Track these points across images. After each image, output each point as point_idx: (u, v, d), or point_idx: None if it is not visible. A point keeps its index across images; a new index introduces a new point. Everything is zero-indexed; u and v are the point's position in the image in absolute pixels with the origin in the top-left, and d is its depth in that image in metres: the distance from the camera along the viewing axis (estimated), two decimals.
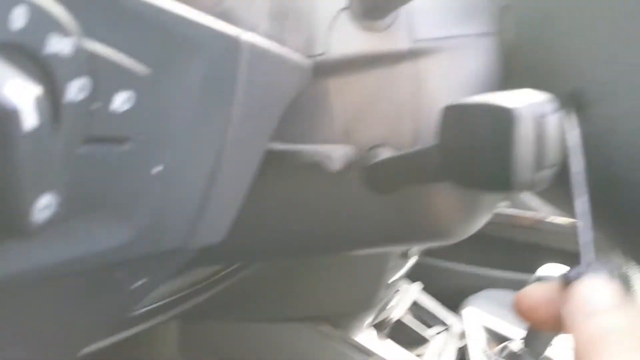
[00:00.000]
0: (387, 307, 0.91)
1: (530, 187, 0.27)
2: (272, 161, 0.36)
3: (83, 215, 0.23)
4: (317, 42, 0.35)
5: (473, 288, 1.18)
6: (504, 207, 1.25)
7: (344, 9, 0.35)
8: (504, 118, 0.26)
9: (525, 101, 0.27)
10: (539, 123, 0.26)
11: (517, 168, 0.26)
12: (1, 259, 0.20)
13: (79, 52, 0.18)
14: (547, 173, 0.28)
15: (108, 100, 0.20)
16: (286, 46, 0.31)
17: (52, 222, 0.17)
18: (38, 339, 0.30)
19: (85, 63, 0.19)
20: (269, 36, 0.29)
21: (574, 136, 0.30)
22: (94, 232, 0.24)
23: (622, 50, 0.29)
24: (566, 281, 0.24)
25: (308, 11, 0.34)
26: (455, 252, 1.22)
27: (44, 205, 0.16)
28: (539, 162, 0.27)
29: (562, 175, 0.29)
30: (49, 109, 0.18)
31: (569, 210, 0.29)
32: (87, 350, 0.46)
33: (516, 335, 0.97)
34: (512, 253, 1.21)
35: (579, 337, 0.21)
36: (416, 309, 1.03)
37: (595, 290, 0.23)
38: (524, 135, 0.26)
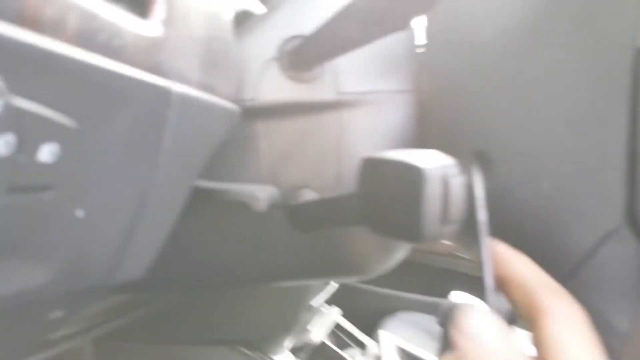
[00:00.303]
0: (307, 330, 0.93)
1: (436, 239, 0.30)
2: (199, 198, 0.37)
3: (2, 257, 0.23)
4: (247, 89, 0.36)
5: (390, 310, 1.22)
6: None
7: (273, 59, 0.37)
8: (414, 176, 0.28)
9: (434, 162, 0.29)
10: (446, 183, 0.29)
11: (425, 222, 0.29)
12: None
13: (7, 109, 0.19)
14: (451, 227, 0.30)
15: (33, 151, 0.21)
16: (216, 94, 0.32)
17: None
18: None
19: (12, 119, 0.19)
20: (200, 85, 0.30)
21: (479, 190, 0.33)
22: (12, 274, 0.24)
23: (520, 116, 0.32)
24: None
25: (238, 60, 0.35)
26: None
27: None
28: (445, 218, 0.29)
29: (470, 222, 0.31)
30: None
31: (476, 252, 0.31)
32: None
33: (429, 357, 1.01)
34: (428, 278, 1.27)
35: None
36: (335, 331, 1.05)
37: (481, 319, 0.27)
38: (432, 193, 0.28)
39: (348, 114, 0.38)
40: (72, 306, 0.34)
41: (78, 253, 0.27)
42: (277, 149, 0.38)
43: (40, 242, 0.25)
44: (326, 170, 0.38)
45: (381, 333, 1.09)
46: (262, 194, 0.36)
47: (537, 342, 0.26)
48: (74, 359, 0.76)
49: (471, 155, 0.34)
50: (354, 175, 0.33)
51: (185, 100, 0.28)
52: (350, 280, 0.48)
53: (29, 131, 0.20)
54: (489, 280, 0.29)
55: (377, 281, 1.29)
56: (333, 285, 0.95)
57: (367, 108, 0.38)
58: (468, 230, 0.31)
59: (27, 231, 0.23)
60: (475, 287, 0.31)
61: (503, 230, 0.33)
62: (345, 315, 1.10)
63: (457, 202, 0.30)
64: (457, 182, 0.30)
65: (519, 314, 0.28)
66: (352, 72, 0.38)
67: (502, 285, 0.29)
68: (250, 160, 0.39)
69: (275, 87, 0.37)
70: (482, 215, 0.32)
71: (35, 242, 0.24)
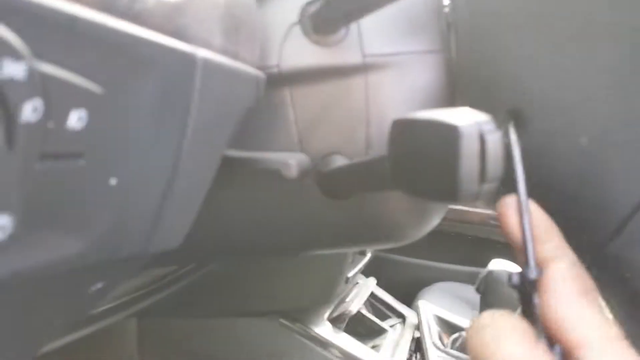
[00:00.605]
0: (345, 301, 0.94)
1: (474, 199, 0.29)
2: (230, 168, 0.37)
3: (39, 226, 0.24)
4: (271, 55, 0.36)
5: (426, 281, 1.21)
6: (455, 205, 1.29)
7: (296, 23, 0.36)
8: (449, 134, 0.28)
9: (469, 119, 0.28)
10: (482, 140, 0.28)
11: (462, 181, 0.28)
12: None
13: (32, 74, 0.19)
14: (489, 186, 0.29)
15: (62, 119, 0.21)
16: (240, 60, 0.32)
17: (8, 244, 0.18)
18: None
19: (38, 85, 0.19)
20: (223, 51, 0.30)
21: (515, 150, 0.32)
22: (50, 243, 0.25)
23: (556, 70, 0.31)
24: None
25: (260, 26, 0.35)
26: (409, 246, 1.25)
27: (0, 226, 0.17)
28: (483, 176, 0.29)
29: (507, 185, 0.31)
30: (4, 128, 0.19)
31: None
32: (45, 349, 0.46)
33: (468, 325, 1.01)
34: (463, 247, 1.25)
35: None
36: (372, 302, 1.05)
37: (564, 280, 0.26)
38: (469, 151, 0.28)
39: (375, 76, 0.37)
40: (112, 277, 0.35)
41: (114, 222, 0.27)
42: (305, 116, 0.38)
43: (76, 211, 0.25)
44: (356, 135, 0.38)
45: (420, 303, 1.09)
46: (293, 160, 0.36)
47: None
48: (118, 335, 0.79)
49: (505, 114, 0.33)
50: (384, 138, 0.33)
51: (210, 65, 0.28)
52: (385, 246, 0.48)
53: (56, 97, 0.20)
54: (529, 246, 0.28)
55: (413, 252, 1.29)
56: (368, 256, 0.95)
57: (394, 70, 0.37)
58: (505, 193, 0.31)
59: (62, 200, 0.24)
60: (510, 254, 0.31)
61: (541, 191, 0.32)
62: (381, 287, 1.10)
63: (494, 159, 0.29)
64: (494, 139, 0.29)
65: None
66: (377, 33, 0.37)
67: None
68: (278, 129, 0.38)
69: (299, 52, 0.36)
70: (520, 175, 0.31)
71: (71, 211, 0.25)
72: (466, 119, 0.28)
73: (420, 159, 0.30)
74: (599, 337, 0.24)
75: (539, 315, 0.26)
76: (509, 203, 0.30)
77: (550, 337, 0.26)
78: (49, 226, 0.24)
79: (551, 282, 0.27)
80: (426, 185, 0.30)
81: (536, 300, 0.27)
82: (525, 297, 0.27)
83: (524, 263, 0.28)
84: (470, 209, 1.28)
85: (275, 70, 0.36)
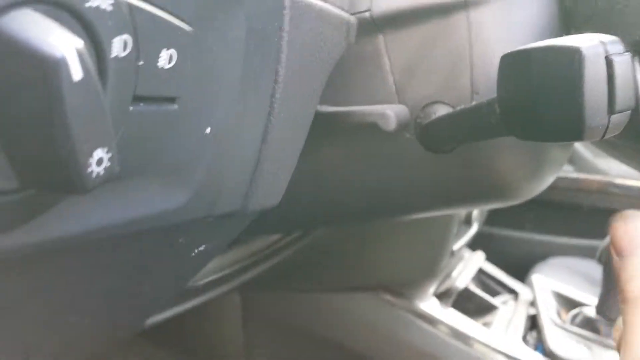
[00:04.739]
0: (451, 276, 0.90)
1: (603, 133, 0.26)
2: (324, 124, 0.36)
3: (138, 176, 0.24)
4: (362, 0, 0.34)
5: (538, 256, 1.14)
6: (569, 172, 1.19)
7: None
8: (571, 58, 0.24)
9: (592, 41, 0.25)
10: (609, 62, 0.24)
11: (588, 112, 0.24)
12: (58, 218, 0.20)
13: (119, 6, 0.18)
14: (620, 118, 0.26)
15: (152, 58, 0.20)
16: (330, 3, 0.30)
17: (107, 179, 0.17)
18: (103, 306, 0.32)
19: (126, 19, 0.19)
20: None
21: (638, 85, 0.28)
22: (150, 194, 0.25)
23: None
24: None
25: None
26: (518, 219, 1.17)
27: (98, 160, 0.17)
28: (611, 105, 0.25)
29: (635, 126, 0.27)
30: (95, 62, 0.18)
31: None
32: (152, 320, 0.48)
33: (589, 300, 0.93)
34: (579, 219, 1.16)
35: None
36: (481, 277, 1.00)
37: None
38: (594, 75, 0.24)
39: (478, 13, 0.34)
40: (214, 240, 0.35)
41: (213, 173, 0.27)
42: (401, 63, 0.36)
43: (173, 160, 0.25)
44: (459, 80, 0.35)
45: (535, 277, 1.02)
46: (390, 112, 0.34)
47: None
48: (222, 309, 0.82)
49: (631, 45, 0.29)
50: (491, 81, 0.30)
51: (299, 5, 0.27)
52: (494, 205, 0.44)
53: (145, 34, 0.20)
54: None
55: (523, 226, 1.21)
56: (474, 228, 0.90)
57: (499, 3, 0.34)
58: (634, 136, 0.27)
59: (159, 147, 0.24)
60: None
61: None
62: (490, 263, 1.05)
63: (624, 84, 0.25)
64: (622, 61, 0.25)
65: None
66: None
67: None
68: (373, 79, 0.36)
69: None
70: None
71: (168, 161, 0.24)
72: (589, 40, 0.25)
73: (536, 94, 0.26)
74: None
75: None
76: None
77: None
78: (146, 175, 0.24)
79: None
80: (545, 125, 0.27)
81: None
82: None
83: None
84: (587, 176, 1.18)
85: (367, 15, 0.34)
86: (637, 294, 0.22)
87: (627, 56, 0.25)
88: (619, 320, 0.24)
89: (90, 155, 0.16)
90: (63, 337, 0.31)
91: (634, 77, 0.26)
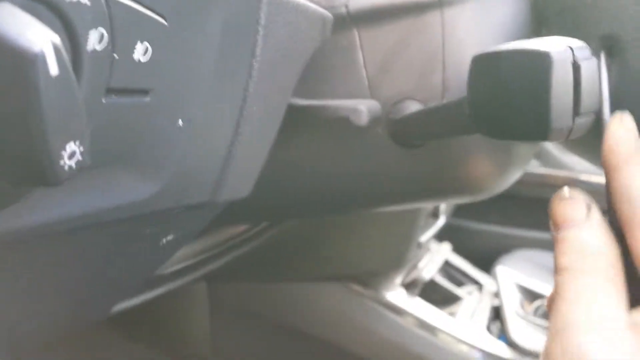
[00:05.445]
0: (418, 267, 0.91)
1: (568, 134, 0.27)
2: (296, 117, 0.36)
3: (110, 167, 0.24)
4: None
5: (503, 248, 1.16)
6: (535, 167, 1.22)
7: None
8: (540, 62, 0.25)
9: (560, 45, 0.26)
10: (576, 67, 0.25)
11: (554, 114, 0.25)
12: (29, 209, 0.20)
13: (97, 1, 0.18)
14: (584, 120, 0.27)
15: (127, 50, 0.20)
16: None
17: (78, 172, 0.17)
18: (71, 293, 0.31)
19: (103, 12, 0.19)
20: None
21: (605, 83, 0.29)
22: (121, 184, 0.25)
23: None
24: None
25: None
26: (485, 212, 1.20)
27: (70, 154, 0.17)
28: (577, 108, 0.26)
29: (597, 125, 0.28)
30: (71, 56, 0.18)
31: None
32: (118, 307, 0.47)
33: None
34: (544, 213, 1.19)
35: None
36: (447, 268, 1.02)
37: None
38: (562, 80, 0.25)
39: (452, 12, 0.34)
40: (183, 229, 0.35)
41: (184, 164, 0.27)
42: (375, 59, 0.36)
43: (145, 152, 0.25)
44: (431, 78, 0.36)
45: (499, 269, 1.04)
46: (363, 107, 0.35)
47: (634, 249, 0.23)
48: (189, 299, 0.82)
49: (598, 41, 0.30)
50: (462, 81, 0.31)
51: (275, 0, 0.27)
52: (462, 200, 0.45)
53: (121, 27, 0.20)
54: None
55: (489, 218, 1.23)
56: (441, 221, 0.92)
57: (472, 3, 0.35)
58: (595, 135, 0.28)
59: (131, 139, 0.24)
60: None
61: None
62: (457, 254, 1.06)
63: (590, 88, 0.26)
64: (589, 66, 0.26)
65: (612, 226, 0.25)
66: None
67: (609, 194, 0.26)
68: (347, 74, 0.37)
69: None
70: (607, 113, 0.28)
71: (139, 152, 0.24)
72: (557, 45, 0.26)
73: (505, 95, 0.27)
74: None
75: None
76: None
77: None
78: (118, 166, 0.24)
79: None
80: (512, 124, 0.28)
81: None
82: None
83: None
84: (552, 171, 1.21)
85: (343, 10, 0.35)
86: (568, 265, 0.24)
87: (593, 61, 0.26)
88: (552, 289, 0.25)
89: (63, 148, 0.16)
90: (26, 325, 0.30)
91: (599, 80, 0.28)
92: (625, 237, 0.24)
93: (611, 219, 0.25)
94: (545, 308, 0.89)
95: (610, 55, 0.30)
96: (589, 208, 0.25)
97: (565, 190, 0.26)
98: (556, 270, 0.24)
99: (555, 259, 0.24)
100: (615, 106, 0.27)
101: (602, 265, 0.23)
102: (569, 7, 0.32)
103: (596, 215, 0.24)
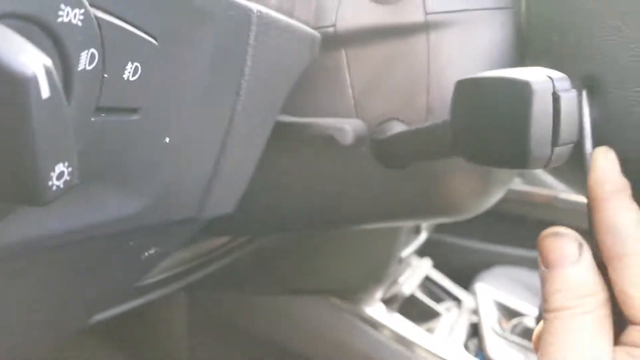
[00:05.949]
0: (398, 282, 0.92)
1: (546, 163, 0.27)
2: (283, 134, 0.37)
3: (97, 183, 0.24)
4: (327, 14, 0.34)
5: (484, 265, 1.17)
6: (517, 184, 1.23)
7: None
8: (520, 92, 0.26)
9: (541, 76, 0.26)
10: (555, 98, 0.26)
11: (533, 143, 0.26)
12: (16, 225, 0.20)
13: (89, 22, 0.18)
14: (563, 150, 0.27)
15: (117, 70, 0.21)
16: (295, 18, 0.31)
17: (65, 192, 0.17)
18: (51, 304, 0.31)
19: (95, 33, 0.19)
20: (278, 8, 0.29)
21: (587, 118, 0.29)
22: (107, 201, 0.25)
23: (638, 32, 0.28)
24: None
25: None
26: (466, 228, 1.21)
27: (59, 174, 0.17)
28: (555, 138, 0.27)
29: (577, 154, 0.28)
30: (62, 76, 0.18)
31: (583, 189, 0.28)
32: (98, 317, 0.47)
33: (530, 311, 0.97)
34: (524, 230, 1.21)
35: None
36: (427, 284, 1.03)
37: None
38: (541, 110, 0.26)
39: (437, 36, 0.35)
40: (165, 243, 0.35)
41: (170, 181, 0.27)
42: (361, 79, 0.37)
43: (131, 169, 0.25)
44: (415, 100, 0.36)
45: (478, 286, 1.05)
46: (348, 126, 0.35)
47: (616, 284, 0.24)
48: (168, 309, 0.81)
49: (579, 80, 0.31)
50: (446, 103, 0.31)
51: (264, 20, 0.27)
52: (443, 220, 0.46)
53: (112, 47, 0.20)
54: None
55: (471, 235, 1.25)
56: (423, 237, 0.93)
57: (458, 29, 0.35)
58: (575, 163, 0.28)
59: (119, 156, 0.24)
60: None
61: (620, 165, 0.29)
62: (437, 270, 1.07)
63: (569, 120, 0.27)
64: (568, 98, 0.27)
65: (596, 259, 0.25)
66: None
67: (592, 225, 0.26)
68: (333, 93, 0.37)
69: (356, 11, 0.35)
70: (589, 147, 0.29)
71: (126, 169, 0.25)
72: (538, 75, 0.26)
73: (486, 121, 0.28)
74: None
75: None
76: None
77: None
78: (105, 183, 0.24)
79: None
80: (492, 151, 0.28)
81: None
82: None
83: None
84: (534, 190, 1.23)
85: (331, 30, 0.35)
86: (558, 306, 0.24)
87: (573, 93, 0.27)
88: (539, 326, 0.25)
89: (52, 169, 0.16)
90: (7, 339, 0.30)
91: (579, 112, 0.28)
92: (607, 269, 0.24)
93: (593, 248, 0.25)
94: (523, 328, 0.89)
95: (591, 94, 0.30)
96: (580, 247, 0.25)
97: (559, 227, 0.26)
98: (545, 310, 0.24)
99: (545, 297, 0.24)
100: (597, 142, 0.28)
101: (593, 307, 0.23)
102: (553, 44, 0.33)
103: (587, 255, 0.25)
